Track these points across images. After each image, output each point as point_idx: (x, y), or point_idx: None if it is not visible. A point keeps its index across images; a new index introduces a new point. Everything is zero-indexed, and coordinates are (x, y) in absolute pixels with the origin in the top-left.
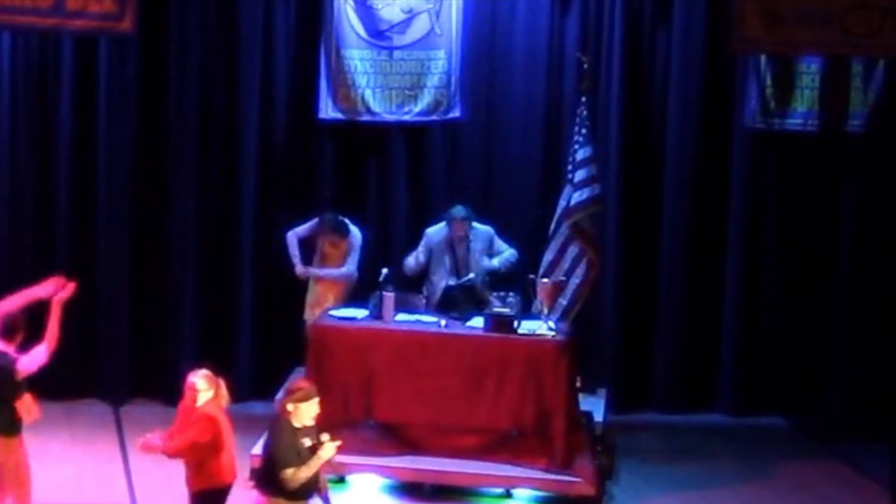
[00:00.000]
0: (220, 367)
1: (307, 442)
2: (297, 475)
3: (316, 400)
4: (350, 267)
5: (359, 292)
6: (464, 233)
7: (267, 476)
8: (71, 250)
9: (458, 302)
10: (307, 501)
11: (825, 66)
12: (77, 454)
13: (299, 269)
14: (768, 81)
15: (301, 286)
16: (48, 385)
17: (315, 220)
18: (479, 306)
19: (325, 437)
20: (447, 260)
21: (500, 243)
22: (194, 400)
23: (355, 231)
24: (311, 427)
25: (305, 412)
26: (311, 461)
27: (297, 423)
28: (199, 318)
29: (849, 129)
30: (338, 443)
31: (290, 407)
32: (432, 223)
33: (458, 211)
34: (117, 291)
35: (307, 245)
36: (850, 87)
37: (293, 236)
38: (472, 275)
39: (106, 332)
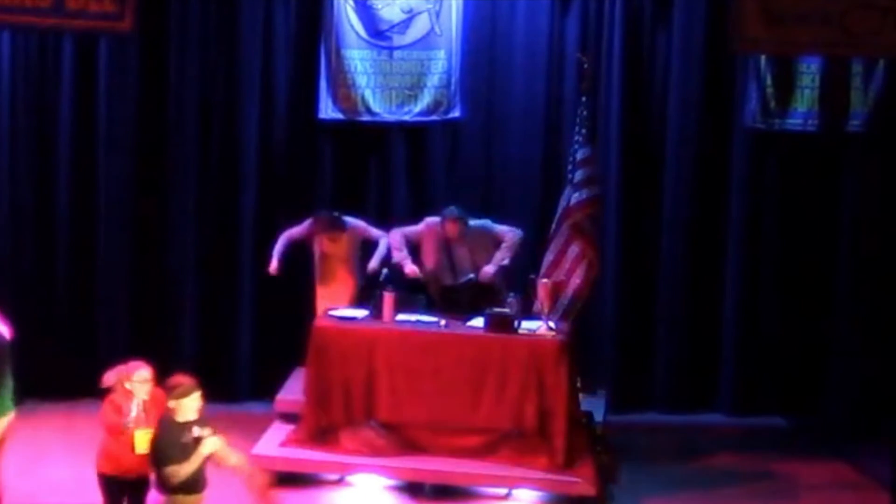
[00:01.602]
0: (220, 367)
1: (194, 436)
2: (178, 472)
3: (197, 394)
4: (383, 238)
5: (359, 292)
6: (457, 233)
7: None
8: (71, 250)
9: (459, 302)
10: (202, 494)
11: (825, 66)
12: (77, 454)
13: (273, 266)
14: (768, 81)
15: (301, 285)
16: (48, 385)
17: (309, 221)
18: (486, 303)
19: (206, 431)
20: (443, 259)
21: (499, 229)
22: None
23: (352, 220)
24: (196, 421)
25: (188, 407)
26: (194, 456)
27: (180, 419)
28: (199, 318)
29: (849, 129)
30: (220, 438)
31: (171, 403)
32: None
33: (451, 212)
34: (117, 291)
35: (302, 248)
36: (850, 87)
37: (285, 238)
38: (471, 275)
39: (106, 332)
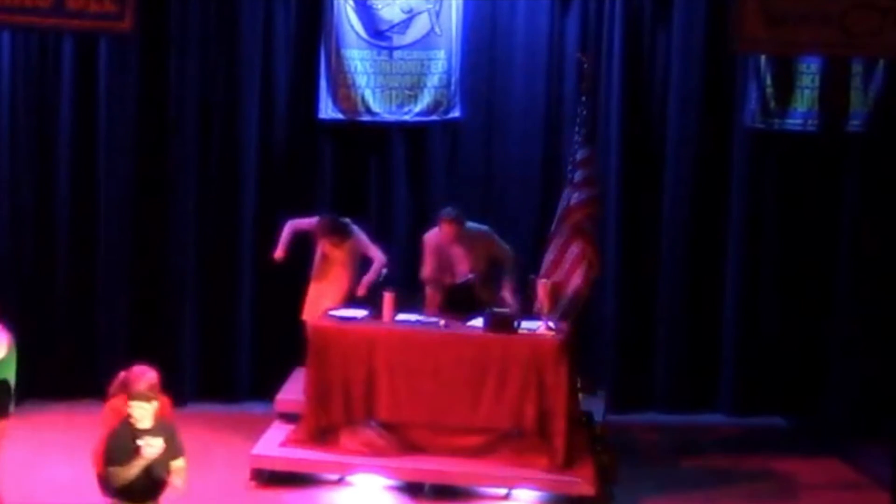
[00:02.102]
0: (220, 367)
1: (141, 444)
2: (118, 474)
3: (153, 404)
4: (381, 255)
5: (349, 294)
6: (453, 234)
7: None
8: (70, 250)
9: (458, 302)
10: (154, 503)
11: (825, 66)
12: (77, 454)
13: (279, 253)
14: (768, 81)
15: (301, 287)
16: (48, 385)
17: (315, 219)
18: (481, 306)
19: (156, 442)
20: (443, 261)
21: (499, 244)
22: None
23: (357, 231)
24: (152, 430)
25: (141, 413)
26: (135, 462)
27: (135, 425)
28: (200, 318)
29: (849, 129)
30: (159, 443)
31: (128, 410)
32: (432, 223)
33: (447, 212)
34: (117, 291)
35: (306, 245)
36: (850, 87)
37: (291, 226)
38: (471, 275)
39: (106, 332)
